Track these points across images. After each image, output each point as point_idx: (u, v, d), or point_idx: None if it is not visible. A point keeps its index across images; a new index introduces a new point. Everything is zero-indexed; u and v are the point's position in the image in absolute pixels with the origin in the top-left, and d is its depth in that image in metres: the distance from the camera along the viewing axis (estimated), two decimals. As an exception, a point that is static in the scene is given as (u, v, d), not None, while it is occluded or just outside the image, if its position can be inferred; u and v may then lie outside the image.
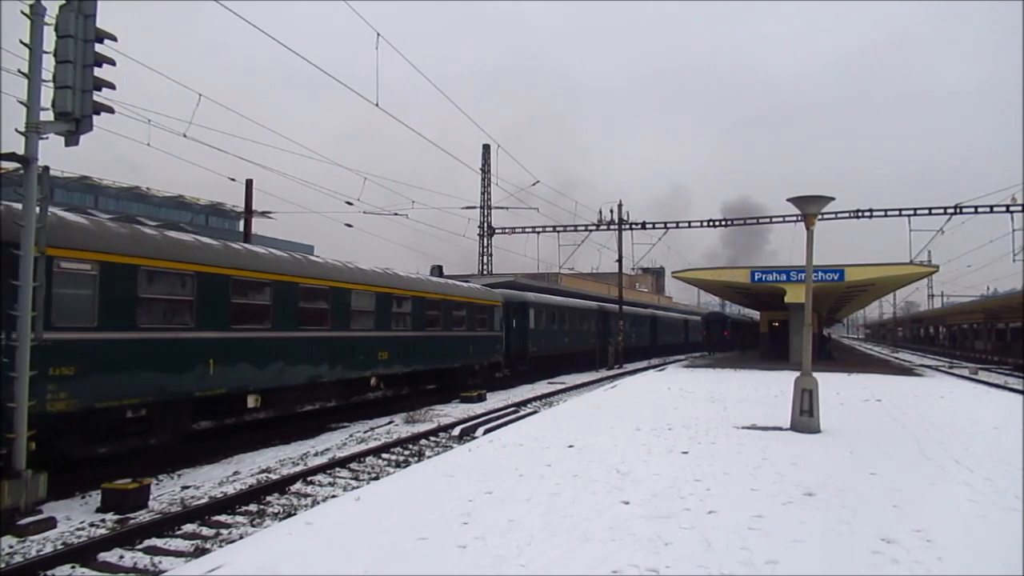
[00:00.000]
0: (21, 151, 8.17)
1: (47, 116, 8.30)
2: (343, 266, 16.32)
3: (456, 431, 14.81)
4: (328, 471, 10.98)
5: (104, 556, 7.00)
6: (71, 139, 8.46)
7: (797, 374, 12.04)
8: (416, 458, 12.21)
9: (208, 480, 10.44)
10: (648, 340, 48.70)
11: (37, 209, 8.11)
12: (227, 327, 12.13)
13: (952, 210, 35.03)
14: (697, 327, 64.71)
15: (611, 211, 39.65)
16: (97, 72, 8.53)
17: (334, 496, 9.17)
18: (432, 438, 14.30)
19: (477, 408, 19.06)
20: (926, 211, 35.65)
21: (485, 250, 48.12)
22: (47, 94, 8.27)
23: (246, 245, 14.28)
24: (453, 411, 18.31)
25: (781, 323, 36.26)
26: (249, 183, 23.75)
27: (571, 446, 9.99)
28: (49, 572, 6.55)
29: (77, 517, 8.37)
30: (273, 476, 10.62)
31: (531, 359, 28.59)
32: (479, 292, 23.91)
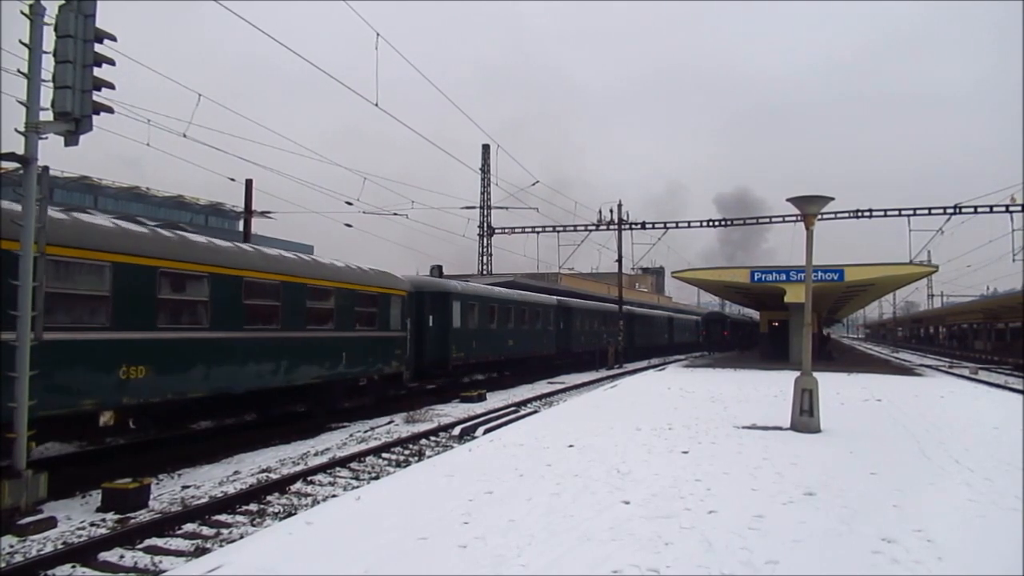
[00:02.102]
0: (21, 151, 8.17)
1: (47, 116, 8.30)
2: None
3: (456, 431, 14.82)
4: (328, 471, 10.98)
5: (104, 556, 7.00)
6: (71, 139, 8.45)
7: (797, 374, 12.04)
8: (416, 458, 12.21)
9: (208, 480, 10.44)
10: (627, 340, 42.60)
11: (37, 209, 8.11)
12: None
13: (952, 210, 35.03)
14: (688, 326, 62.93)
15: (611, 211, 39.70)
16: (97, 72, 8.53)
17: (334, 496, 9.17)
18: (432, 438, 14.30)
19: (477, 408, 19.06)
20: (926, 211, 35.66)
21: (485, 250, 48.13)
22: (47, 94, 8.27)
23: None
24: (453, 411, 18.31)
25: (781, 323, 36.26)
26: (249, 183, 23.75)
27: (571, 446, 9.99)
28: (50, 572, 6.55)
29: (77, 517, 8.37)
30: (273, 476, 10.62)
31: (454, 368, 22.10)
32: (361, 275, 16.60)
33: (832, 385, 18.18)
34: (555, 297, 32.96)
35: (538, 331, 29.89)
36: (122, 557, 7.02)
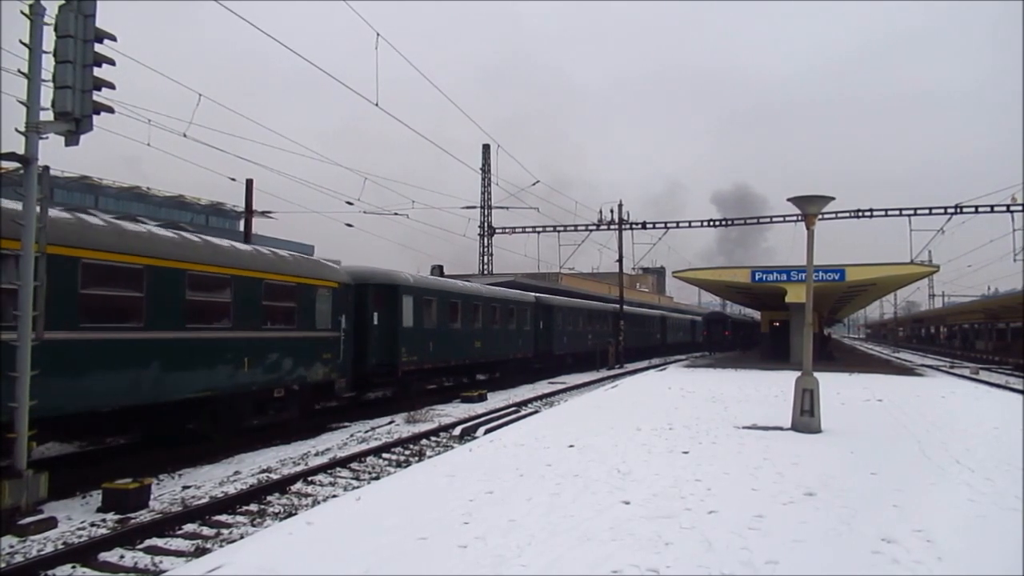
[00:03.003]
0: (21, 151, 8.18)
1: (47, 116, 8.30)
2: None
3: (457, 431, 14.82)
4: (329, 471, 10.98)
5: (105, 556, 7.00)
6: (71, 139, 8.46)
7: (798, 374, 12.04)
8: (417, 458, 12.21)
9: (209, 480, 10.44)
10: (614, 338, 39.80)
11: (37, 209, 8.12)
12: None
13: (952, 210, 35.03)
14: (682, 326, 60.69)
15: (611, 211, 39.70)
16: (97, 72, 8.54)
17: (335, 496, 9.17)
18: (433, 438, 14.30)
19: (478, 408, 19.06)
20: (926, 211, 35.66)
21: (485, 250, 48.14)
22: (47, 94, 8.27)
23: None
24: (454, 411, 18.31)
25: (782, 323, 36.26)
26: (249, 183, 23.76)
27: (572, 446, 9.99)
28: (50, 572, 6.55)
29: (78, 517, 8.37)
30: (274, 476, 10.62)
31: (405, 374, 18.74)
32: (272, 262, 13.36)
33: (833, 385, 18.16)
34: (533, 294, 30.03)
35: (512, 331, 26.65)
36: (122, 557, 7.02)
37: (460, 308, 22.23)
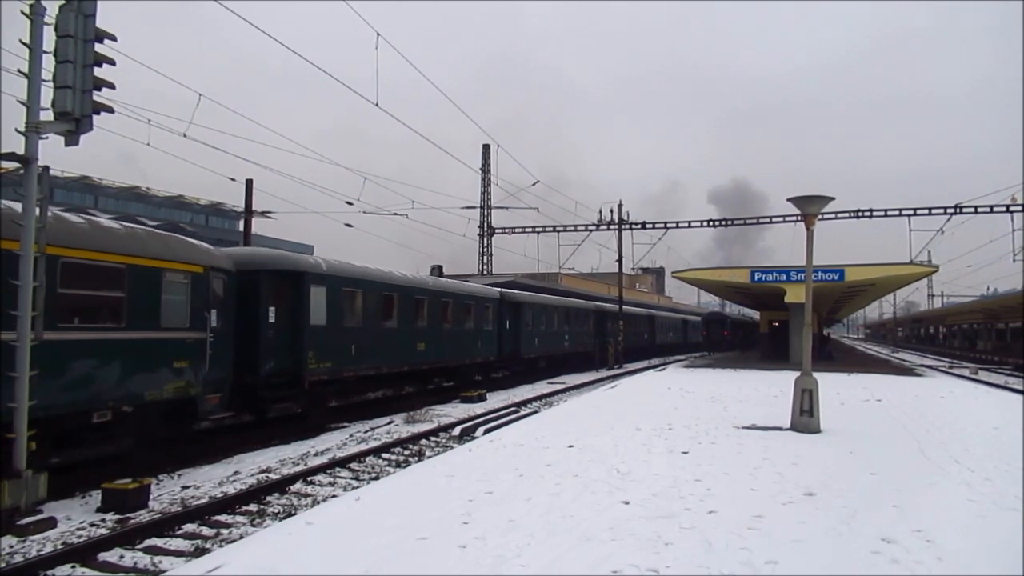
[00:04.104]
0: (21, 151, 8.18)
1: (47, 116, 8.31)
2: None
3: (456, 431, 14.82)
4: (328, 471, 10.98)
5: (104, 556, 7.00)
6: (71, 139, 8.46)
7: (797, 374, 12.04)
8: (416, 458, 12.21)
9: (208, 480, 10.44)
10: (599, 341, 37.41)
11: (37, 209, 8.11)
12: None
13: (952, 210, 35.06)
14: (673, 325, 58.17)
15: (611, 211, 39.73)
16: (97, 72, 8.54)
17: (334, 496, 9.17)
18: (432, 438, 14.31)
19: (477, 408, 19.07)
20: (926, 211, 35.69)
21: (485, 250, 48.15)
22: (47, 94, 8.28)
23: None
24: (453, 411, 18.31)
25: (781, 323, 36.28)
26: (249, 183, 23.78)
27: (571, 446, 9.99)
28: (50, 572, 6.56)
29: (77, 517, 8.37)
30: (273, 476, 10.62)
31: (314, 384, 14.93)
32: (92, 235, 9.69)
33: (832, 385, 18.16)
34: (498, 289, 26.51)
35: (470, 331, 23.00)
36: (122, 557, 7.02)
37: (398, 303, 18.37)
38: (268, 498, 9.40)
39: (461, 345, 22.44)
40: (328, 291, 15.43)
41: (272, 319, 13.87)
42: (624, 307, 39.76)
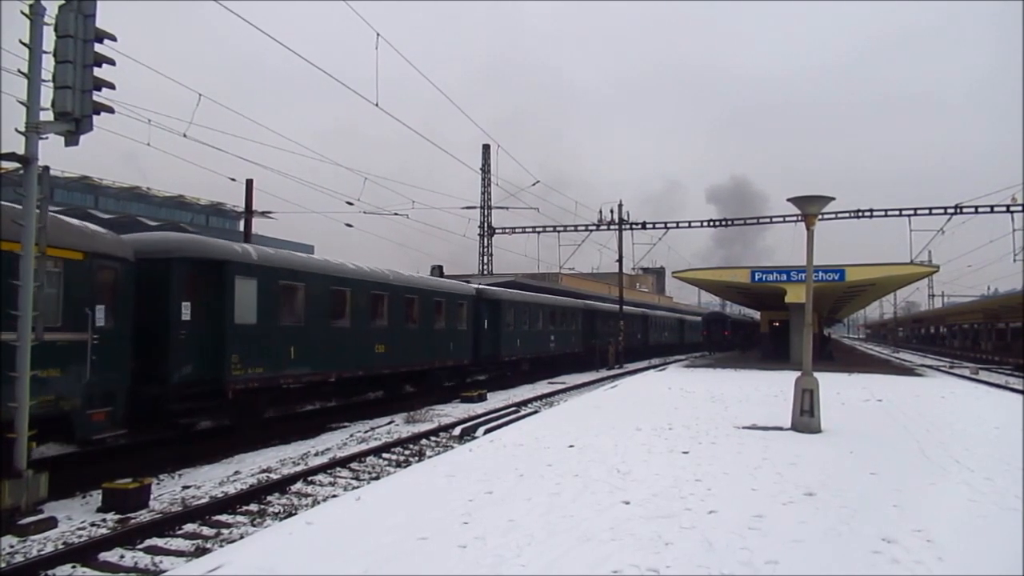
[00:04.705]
0: (21, 151, 8.18)
1: (47, 116, 8.31)
2: None
3: (457, 431, 14.82)
4: (328, 471, 10.98)
5: (105, 556, 7.00)
6: (71, 139, 8.47)
7: (797, 374, 12.04)
8: (417, 458, 12.21)
9: (209, 480, 10.44)
10: (586, 340, 35.75)
11: (37, 209, 8.12)
12: None
13: (952, 210, 35.04)
14: (668, 325, 56.35)
15: (611, 211, 39.73)
16: (97, 72, 8.54)
17: (335, 496, 9.17)
18: (433, 438, 14.31)
19: (477, 408, 19.07)
20: (926, 211, 35.67)
21: (485, 250, 48.15)
22: (47, 94, 8.28)
23: None
24: (453, 411, 18.32)
25: (781, 323, 36.27)
26: (249, 183, 23.76)
27: (571, 446, 9.99)
28: (50, 572, 6.56)
29: (78, 517, 8.38)
30: (274, 476, 10.63)
31: (240, 394, 12.77)
32: None
33: (833, 385, 18.16)
34: (473, 286, 24.78)
35: (440, 331, 20.98)
36: (122, 557, 7.03)
37: (351, 300, 16.34)
38: (268, 498, 9.41)
39: (429, 347, 20.35)
40: (260, 284, 13.35)
41: (186, 316, 11.73)
42: (609, 306, 39.55)
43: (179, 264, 11.83)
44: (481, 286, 25.35)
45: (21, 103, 8.21)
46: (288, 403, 15.81)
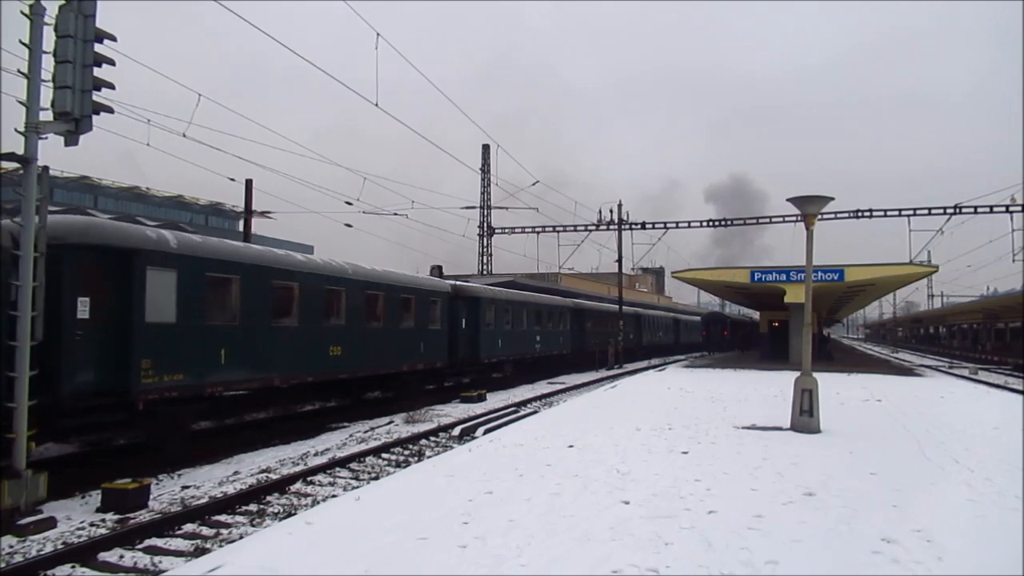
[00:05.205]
0: (21, 151, 8.18)
1: (47, 116, 8.31)
2: None
3: (456, 431, 14.82)
4: (328, 471, 10.98)
5: (104, 556, 7.00)
6: (71, 139, 8.47)
7: (797, 374, 12.05)
8: (416, 458, 12.21)
9: (208, 480, 10.44)
10: (576, 341, 34.27)
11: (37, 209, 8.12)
12: None
13: (952, 210, 35.06)
14: (663, 325, 55.05)
15: (611, 211, 39.74)
16: (97, 72, 8.54)
17: (334, 496, 9.17)
18: (432, 438, 14.30)
19: (477, 408, 19.07)
20: (926, 211, 35.70)
21: (485, 250, 48.14)
22: (47, 94, 8.28)
23: None
24: (453, 411, 18.32)
25: (781, 323, 36.27)
26: (249, 183, 23.75)
27: (571, 446, 9.99)
28: (49, 572, 6.56)
29: (77, 517, 8.37)
30: (273, 476, 10.62)
31: (151, 404, 10.86)
32: None
33: (832, 385, 18.17)
34: (448, 282, 23.00)
35: (410, 331, 19.01)
36: (122, 557, 7.02)
37: (299, 296, 14.40)
38: (268, 498, 9.40)
39: (397, 348, 18.30)
40: (181, 277, 11.44)
41: (84, 314, 9.93)
42: (599, 305, 39.24)
43: (73, 253, 9.83)
44: (458, 283, 23.98)
45: (21, 103, 8.21)
46: (222, 414, 14.24)
